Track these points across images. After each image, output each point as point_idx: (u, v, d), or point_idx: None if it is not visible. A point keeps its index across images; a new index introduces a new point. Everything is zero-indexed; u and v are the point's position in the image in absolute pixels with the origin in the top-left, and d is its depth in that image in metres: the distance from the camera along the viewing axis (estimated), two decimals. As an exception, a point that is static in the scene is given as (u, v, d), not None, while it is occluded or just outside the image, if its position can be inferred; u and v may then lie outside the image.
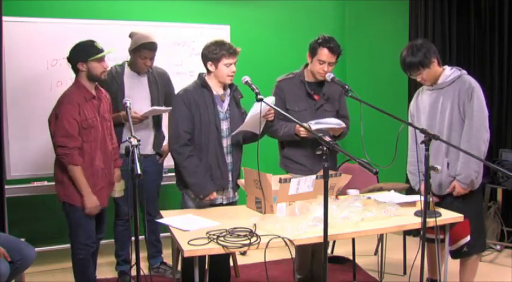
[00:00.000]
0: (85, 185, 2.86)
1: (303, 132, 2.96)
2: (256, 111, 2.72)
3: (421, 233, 2.56)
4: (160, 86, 3.53)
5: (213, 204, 2.92)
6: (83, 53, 2.90)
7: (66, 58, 2.96)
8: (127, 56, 3.90)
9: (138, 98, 3.46)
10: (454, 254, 3.02)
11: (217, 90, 2.92)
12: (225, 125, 2.91)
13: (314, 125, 2.93)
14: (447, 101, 2.91)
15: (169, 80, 3.66)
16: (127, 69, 3.50)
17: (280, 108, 3.00)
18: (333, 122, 3.00)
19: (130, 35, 3.46)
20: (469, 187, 2.88)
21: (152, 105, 3.47)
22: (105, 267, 3.86)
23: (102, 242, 4.04)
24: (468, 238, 2.94)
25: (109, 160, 3.07)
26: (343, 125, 3.02)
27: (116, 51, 3.86)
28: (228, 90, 2.97)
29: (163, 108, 3.43)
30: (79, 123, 2.86)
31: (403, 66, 2.96)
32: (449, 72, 2.94)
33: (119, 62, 3.57)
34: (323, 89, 3.17)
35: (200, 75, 2.93)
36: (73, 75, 3.02)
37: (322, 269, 3.25)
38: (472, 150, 2.66)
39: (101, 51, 2.94)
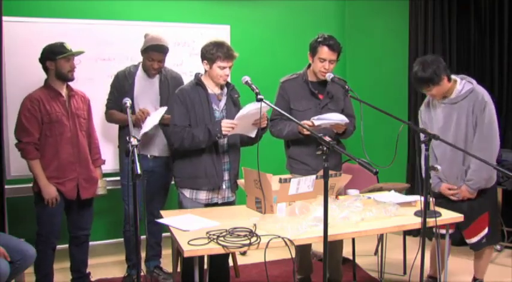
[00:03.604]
0: (41, 176, 3.03)
1: (305, 130, 2.96)
2: (244, 113, 2.71)
3: (421, 232, 2.57)
4: (171, 89, 3.43)
5: (208, 203, 2.93)
6: (52, 52, 3.07)
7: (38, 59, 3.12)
8: (127, 56, 3.92)
9: (146, 99, 3.46)
10: (475, 246, 3.14)
11: (213, 89, 2.93)
12: None
13: (316, 121, 2.93)
14: (462, 115, 2.98)
15: (181, 83, 3.53)
16: (140, 70, 3.49)
17: (284, 109, 3.02)
18: (335, 118, 2.99)
19: (144, 36, 3.45)
20: (475, 192, 3.01)
21: (161, 107, 3.44)
22: (113, 267, 3.89)
23: (112, 241, 4.16)
24: (487, 230, 3.07)
25: (82, 155, 3.17)
26: (346, 120, 3.01)
27: (111, 51, 3.92)
28: (225, 90, 2.98)
29: (158, 112, 3.36)
30: (38, 118, 3.02)
31: (413, 82, 3.04)
32: (460, 87, 3.00)
33: (134, 62, 3.58)
34: (327, 88, 3.18)
35: (196, 75, 2.95)
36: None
37: (336, 271, 3.29)
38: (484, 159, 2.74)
39: (70, 51, 3.09)
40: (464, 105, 2.98)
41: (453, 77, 3.02)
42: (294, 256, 2.33)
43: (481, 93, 2.97)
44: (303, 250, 3.24)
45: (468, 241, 3.15)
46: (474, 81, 3.03)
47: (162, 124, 3.40)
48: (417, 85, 3.01)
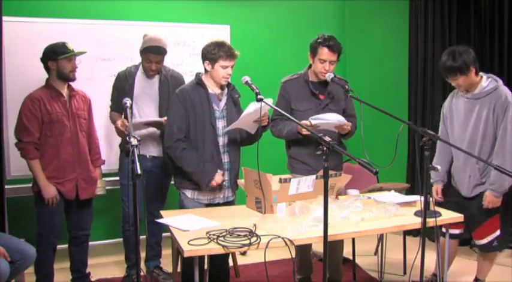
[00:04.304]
0: (41, 176, 3.03)
1: (304, 130, 2.95)
2: (249, 111, 2.72)
3: (421, 232, 2.57)
4: (171, 89, 3.40)
5: (210, 203, 2.93)
6: (54, 52, 3.06)
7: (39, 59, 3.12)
8: (127, 56, 3.92)
9: (146, 99, 3.46)
10: (484, 248, 3.12)
11: (214, 89, 2.93)
12: (221, 124, 2.92)
13: (314, 120, 2.92)
14: (482, 112, 2.97)
15: (182, 83, 3.48)
16: (140, 71, 3.49)
17: (285, 109, 3.03)
18: (332, 118, 2.97)
19: (143, 37, 3.44)
20: (501, 196, 2.96)
21: (160, 107, 3.45)
22: (113, 267, 3.90)
23: (111, 241, 4.17)
24: (498, 232, 3.04)
25: (82, 156, 3.17)
26: (344, 120, 2.99)
27: (111, 51, 3.92)
28: (226, 90, 2.98)
29: (154, 119, 3.38)
30: (39, 118, 3.02)
31: (441, 70, 3.02)
32: (485, 83, 2.99)
33: (135, 62, 3.58)
34: (328, 88, 3.16)
35: (197, 75, 2.95)
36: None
37: (336, 271, 3.29)
38: (505, 165, 2.74)
39: (72, 51, 3.08)
40: (486, 102, 2.96)
41: (481, 73, 3.02)
42: (294, 256, 2.32)
43: (505, 93, 2.94)
44: (303, 250, 3.23)
45: (477, 242, 3.13)
46: (500, 81, 3.02)
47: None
48: (445, 74, 3.00)
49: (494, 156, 2.93)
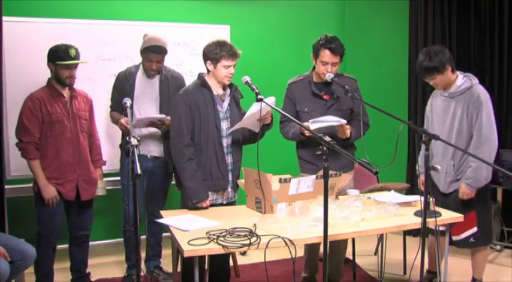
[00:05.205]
0: (41, 176, 3.03)
1: (306, 132, 2.94)
2: (252, 112, 2.72)
3: (421, 232, 2.57)
4: (172, 89, 3.43)
5: (213, 204, 2.92)
6: (54, 56, 3.04)
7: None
8: (127, 56, 3.91)
9: (146, 99, 3.45)
10: (460, 244, 3.17)
11: (217, 90, 2.92)
12: (224, 125, 2.91)
13: (312, 124, 2.88)
14: (458, 110, 3.04)
15: (182, 83, 3.53)
16: (140, 71, 3.48)
17: (291, 110, 3.05)
18: (331, 120, 2.94)
19: (143, 36, 3.44)
20: (475, 190, 3.01)
21: (161, 107, 3.45)
22: (113, 267, 3.90)
23: (112, 241, 4.18)
24: (475, 229, 3.08)
25: (82, 156, 3.17)
26: (343, 121, 2.94)
27: (111, 51, 3.92)
28: (228, 90, 2.97)
29: (156, 116, 3.38)
30: (39, 118, 3.02)
31: (418, 70, 3.10)
32: (460, 82, 3.05)
33: (135, 62, 3.58)
34: (332, 88, 3.13)
35: (200, 75, 2.93)
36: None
37: (336, 271, 3.29)
38: (481, 164, 2.81)
39: (71, 58, 3.04)
40: (460, 100, 3.03)
41: (457, 72, 3.07)
42: (293, 256, 2.32)
43: (478, 93, 3.00)
44: (312, 250, 3.24)
45: (454, 238, 3.16)
46: (476, 80, 3.07)
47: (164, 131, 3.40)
48: (422, 74, 3.07)
49: (471, 152, 2.95)
